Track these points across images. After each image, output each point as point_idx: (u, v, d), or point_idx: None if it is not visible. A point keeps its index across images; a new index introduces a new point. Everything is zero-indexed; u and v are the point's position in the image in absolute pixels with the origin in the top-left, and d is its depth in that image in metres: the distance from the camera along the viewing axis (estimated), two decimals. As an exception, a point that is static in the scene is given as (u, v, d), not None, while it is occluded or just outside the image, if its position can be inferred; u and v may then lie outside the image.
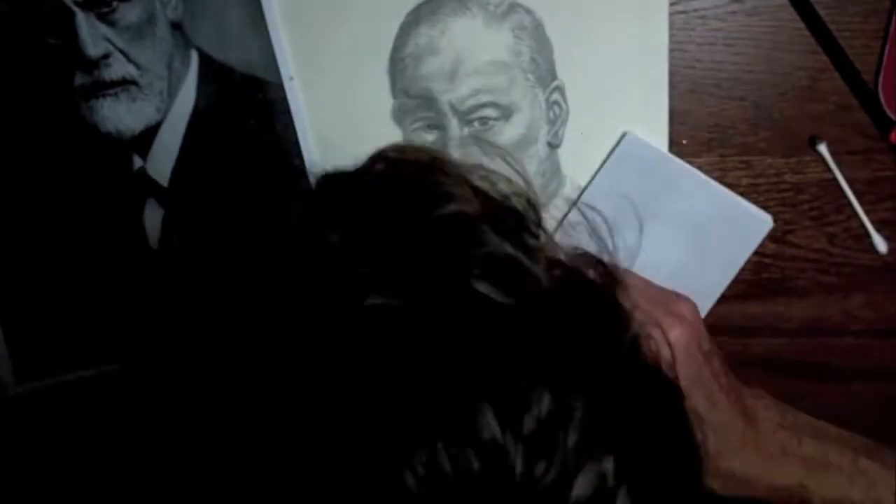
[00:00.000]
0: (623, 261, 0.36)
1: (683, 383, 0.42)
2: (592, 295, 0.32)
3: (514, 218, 0.32)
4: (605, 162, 0.50)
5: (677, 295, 0.46)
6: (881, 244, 0.50)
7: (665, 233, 0.49)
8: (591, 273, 0.33)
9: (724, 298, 0.51)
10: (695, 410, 0.42)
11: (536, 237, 0.32)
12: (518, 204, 0.33)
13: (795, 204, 0.51)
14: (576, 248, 0.33)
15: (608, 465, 0.27)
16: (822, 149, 0.49)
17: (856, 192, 0.49)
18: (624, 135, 0.50)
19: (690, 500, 0.31)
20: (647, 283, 0.46)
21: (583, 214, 0.36)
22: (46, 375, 0.53)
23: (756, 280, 0.51)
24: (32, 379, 0.53)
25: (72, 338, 0.53)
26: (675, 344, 0.43)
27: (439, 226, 0.30)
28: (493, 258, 0.29)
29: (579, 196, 0.50)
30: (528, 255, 0.30)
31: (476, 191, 0.32)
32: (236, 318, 0.31)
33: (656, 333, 0.41)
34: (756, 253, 0.51)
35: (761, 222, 0.50)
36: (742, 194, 0.50)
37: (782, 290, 0.49)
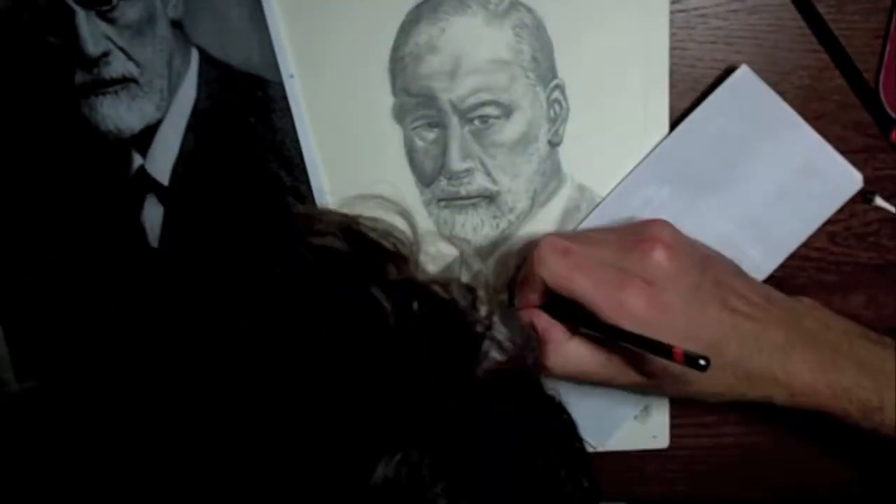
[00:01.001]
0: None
1: (682, 301, 0.42)
2: (445, 322, 0.33)
3: (380, 256, 0.34)
4: (710, 90, 0.49)
5: (646, 221, 0.45)
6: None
7: (756, 172, 0.49)
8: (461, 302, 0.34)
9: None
10: (706, 321, 0.42)
11: (399, 269, 0.34)
12: (388, 244, 0.35)
13: (796, 202, 0.51)
14: (449, 279, 0.35)
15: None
16: (879, 201, 0.50)
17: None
18: (737, 66, 0.48)
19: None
20: (610, 230, 0.47)
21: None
22: (46, 375, 0.53)
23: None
24: (32, 379, 0.53)
25: (72, 338, 0.53)
26: (658, 265, 0.42)
27: (307, 256, 0.33)
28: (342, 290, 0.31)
29: (679, 122, 0.49)
30: (381, 287, 0.31)
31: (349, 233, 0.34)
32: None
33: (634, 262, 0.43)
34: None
35: (852, 180, 0.49)
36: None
37: (783, 288, 0.48)
